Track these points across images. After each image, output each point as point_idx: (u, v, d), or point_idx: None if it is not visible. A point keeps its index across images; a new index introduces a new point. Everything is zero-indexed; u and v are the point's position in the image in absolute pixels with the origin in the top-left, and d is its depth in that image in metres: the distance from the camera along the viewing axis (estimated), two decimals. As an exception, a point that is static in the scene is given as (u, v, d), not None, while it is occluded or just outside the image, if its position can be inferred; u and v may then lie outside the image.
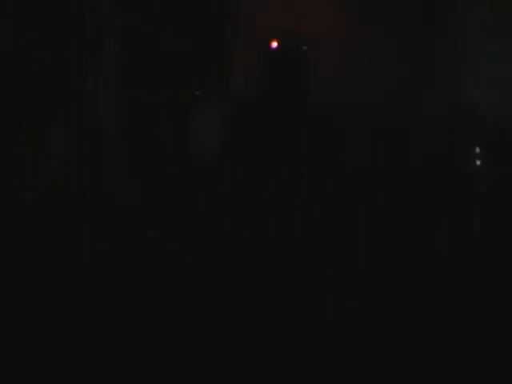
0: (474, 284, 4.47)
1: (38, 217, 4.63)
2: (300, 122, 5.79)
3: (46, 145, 5.13)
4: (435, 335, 4.04)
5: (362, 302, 4.27)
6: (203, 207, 5.17)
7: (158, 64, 5.56)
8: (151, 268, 4.47)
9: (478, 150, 5.83)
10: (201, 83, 5.74)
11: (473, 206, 5.25)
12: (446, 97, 6.80)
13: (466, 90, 7.04)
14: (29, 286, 4.20)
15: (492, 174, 5.37)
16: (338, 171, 5.70)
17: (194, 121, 5.69)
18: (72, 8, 5.30)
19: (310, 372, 3.76)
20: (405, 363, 3.82)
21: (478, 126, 5.93)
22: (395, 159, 5.87)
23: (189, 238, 4.72)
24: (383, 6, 6.49)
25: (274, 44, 5.83)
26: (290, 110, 5.79)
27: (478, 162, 5.74)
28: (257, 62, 5.88)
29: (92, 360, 3.75)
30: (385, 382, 3.76)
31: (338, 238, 5.00)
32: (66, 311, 4.07)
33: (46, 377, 3.64)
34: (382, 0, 6.52)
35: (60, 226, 4.58)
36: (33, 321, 3.98)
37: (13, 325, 3.92)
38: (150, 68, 5.54)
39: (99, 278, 4.32)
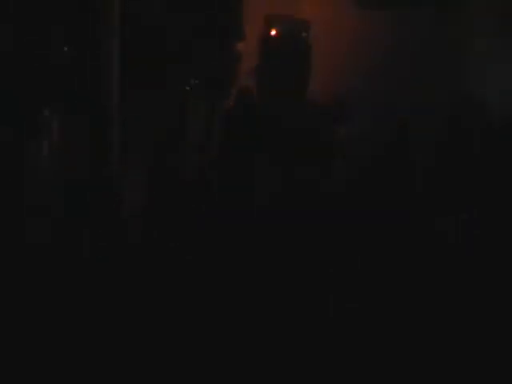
0: (474, 283, 4.47)
1: (37, 217, 4.63)
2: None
3: (45, 144, 5.13)
4: (436, 335, 4.05)
5: (362, 302, 4.28)
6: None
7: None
8: (151, 268, 4.48)
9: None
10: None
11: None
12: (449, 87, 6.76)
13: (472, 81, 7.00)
14: (29, 286, 4.21)
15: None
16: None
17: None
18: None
19: (309, 372, 3.77)
20: (405, 363, 3.82)
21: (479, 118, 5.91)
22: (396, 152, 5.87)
23: (189, 237, 4.72)
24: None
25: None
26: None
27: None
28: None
29: (92, 360, 3.76)
30: (384, 381, 3.76)
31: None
32: (66, 311, 4.08)
33: (46, 377, 3.66)
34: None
35: (60, 226, 4.58)
36: (33, 321, 3.98)
37: (13, 325, 3.93)
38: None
39: (99, 278, 4.33)
